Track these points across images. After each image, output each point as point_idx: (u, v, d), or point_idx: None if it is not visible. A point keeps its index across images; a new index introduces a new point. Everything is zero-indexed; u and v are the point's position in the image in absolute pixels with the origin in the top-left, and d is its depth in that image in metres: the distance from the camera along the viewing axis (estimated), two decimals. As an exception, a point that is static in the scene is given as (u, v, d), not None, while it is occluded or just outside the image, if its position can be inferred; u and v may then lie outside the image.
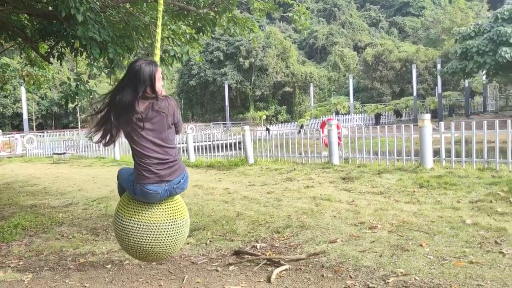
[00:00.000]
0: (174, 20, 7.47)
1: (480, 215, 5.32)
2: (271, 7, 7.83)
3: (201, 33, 7.85)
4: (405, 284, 3.52)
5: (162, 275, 4.21)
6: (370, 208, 6.12)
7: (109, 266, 4.55)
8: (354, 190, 7.58)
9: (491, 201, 5.93)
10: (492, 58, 27.83)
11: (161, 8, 3.81)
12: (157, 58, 3.53)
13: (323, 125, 15.44)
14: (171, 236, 3.26)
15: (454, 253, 4.09)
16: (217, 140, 15.85)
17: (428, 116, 9.21)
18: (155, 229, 3.23)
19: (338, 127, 11.52)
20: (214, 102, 56.90)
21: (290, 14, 7.91)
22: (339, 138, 11.30)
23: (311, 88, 50.58)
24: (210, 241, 5.20)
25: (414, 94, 38.29)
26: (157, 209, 3.27)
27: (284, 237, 5.08)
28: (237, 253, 4.68)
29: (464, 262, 3.86)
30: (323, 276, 3.86)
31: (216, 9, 7.38)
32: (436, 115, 34.06)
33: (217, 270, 4.23)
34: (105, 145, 3.31)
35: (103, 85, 58.81)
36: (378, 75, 48.39)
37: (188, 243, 5.13)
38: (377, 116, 39.37)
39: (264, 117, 50.72)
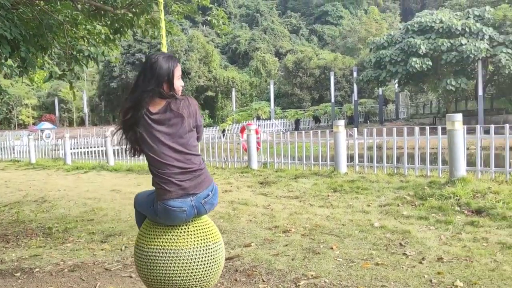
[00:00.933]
0: (90, 20, 7.25)
1: (388, 218, 5.57)
2: (189, 10, 7.79)
3: (118, 34, 7.67)
4: (315, 286, 3.62)
5: (74, 282, 4.06)
6: (285, 212, 6.24)
7: (18, 274, 4.33)
8: (271, 194, 7.69)
9: (398, 205, 6.23)
10: (403, 68, 29.21)
11: (161, 6, 3.54)
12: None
13: (242, 130, 15.56)
14: (204, 264, 2.71)
15: (362, 255, 4.26)
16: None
17: (342, 122, 9.52)
18: (184, 256, 2.68)
19: (257, 132, 11.66)
20: (135, 104, 55.72)
21: (209, 18, 7.90)
22: (258, 143, 11.43)
23: (233, 93, 50.89)
24: (125, 247, 5.08)
25: (332, 100, 39.53)
26: (185, 232, 2.75)
27: (200, 242, 5.06)
28: (152, 259, 4.60)
29: (371, 264, 4.02)
30: (236, 280, 3.89)
31: (134, 10, 7.24)
32: (353, 122, 35.40)
33: (131, 277, 4.15)
34: (132, 155, 2.94)
35: (19, 85, 56.01)
36: (298, 81, 49.44)
37: (102, 249, 4.99)
38: (297, 122, 40.27)
39: (186, 120, 50.28)
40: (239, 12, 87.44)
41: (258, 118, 41.58)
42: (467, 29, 27.68)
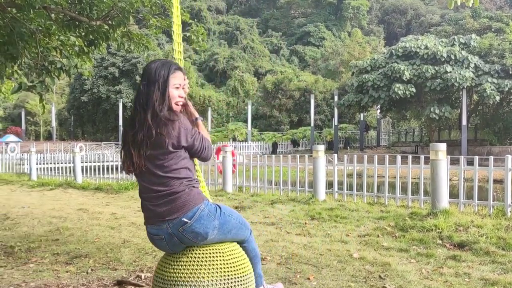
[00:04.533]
0: (64, 30, 7.23)
1: (367, 249, 5.60)
2: (168, 25, 7.82)
3: (93, 47, 7.65)
4: (291, 318, 3.61)
5: (32, 310, 3.97)
6: (261, 239, 6.22)
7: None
8: (246, 219, 7.65)
9: (378, 236, 6.28)
10: (386, 94, 29.57)
11: (176, 11, 3.31)
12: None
13: (218, 151, 15.54)
14: None
15: (340, 287, 4.27)
16: (108, 161, 15.40)
17: (322, 147, 9.61)
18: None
19: (233, 154, 11.68)
20: (107, 120, 55.38)
21: (188, 34, 7.94)
22: (234, 165, 11.44)
23: (209, 112, 50.91)
24: (91, 269, 4.99)
25: (312, 124, 39.81)
26: (181, 260, 2.64)
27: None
28: (120, 283, 4.53)
29: (349, 296, 4.03)
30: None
31: (110, 22, 7.25)
32: (332, 147, 35.69)
33: (94, 304, 4.08)
34: (127, 172, 2.76)
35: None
36: (277, 103, 49.77)
37: (67, 271, 4.90)
38: (274, 145, 40.41)
39: (159, 139, 50.03)
40: (218, 29, 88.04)
41: (234, 140, 41.63)
42: (453, 57, 28.31)
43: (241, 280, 2.62)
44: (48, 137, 60.19)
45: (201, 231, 2.59)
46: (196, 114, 2.86)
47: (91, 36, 7.48)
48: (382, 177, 9.35)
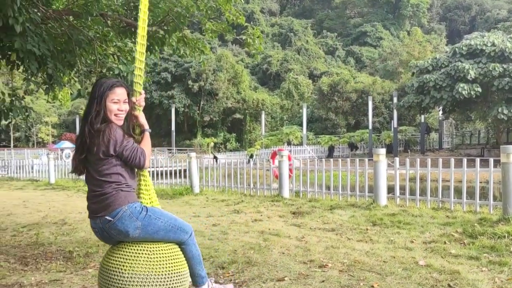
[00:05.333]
0: (120, 36, 7.43)
1: (434, 257, 5.46)
2: (224, 29, 7.90)
3: (148, 52, 7.83)
4: (355, 327, 3.56)
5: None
6: (320, 245, 6.18)
7: (33, 302, 4.38)
8: (304, 225, 7.64)
9: (444, 242, 6.11)
10: (449, 94, 28.83)
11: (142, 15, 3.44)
12: (138, 88, 3.37)
13: (274, 155, 15.59)
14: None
15: (406, 296, 4.18)
16: (161, 167, 15.72)
17: (383, 151, 9.46)
18: (103, 275, 3.10)
19: (289, 159, 11.66)
20: (160, 126, 56.51)
21: (244, 37, 7.99)
22: (290, 170, 11.42)
23: (263, 116, 51.08)
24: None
25: (370, 127, 39.27)
26: (120, 252, 3.09)
27: (229, 273, 5.04)
28: None
29: (416, 305, 3.94)
30: (269, 317, 3.85)
31: (165, 28, 7.40)
32: (391, 150, 35.06)
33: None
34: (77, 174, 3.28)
35: (40, 102, 57.53)
36: (333, 106, 49.43)
37: None
38: (331, 148, 40.08)
39: (212, 144, 50.70)
40: (271, 31, 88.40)
41: (289, 144, 41.59)
42: (523, 54, 27.25)
43: (174, 277, 3.05)
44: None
45: (122, 229, 3.01)
46: (146, 127, 3.31)
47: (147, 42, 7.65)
48: (446, 181, 9.10)
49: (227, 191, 12.41)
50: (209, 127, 56.57)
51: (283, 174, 10.98)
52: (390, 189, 9.74)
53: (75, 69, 7.37)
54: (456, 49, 30.35)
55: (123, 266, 2.99)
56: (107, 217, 3.02)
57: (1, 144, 52.13)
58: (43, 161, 21.66)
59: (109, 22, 7.29)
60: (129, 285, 2.95)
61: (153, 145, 48.42)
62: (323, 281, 4.66)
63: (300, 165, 11.85)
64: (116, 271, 3.00)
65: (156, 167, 15.60)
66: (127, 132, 3.17)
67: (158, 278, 3.00)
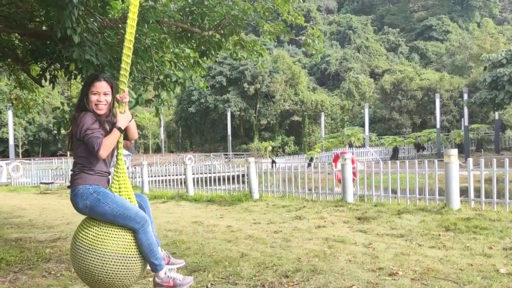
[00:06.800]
0: (177, 42, 7.57)
1: (515, 264, 5.26)
2: (282, 30, 7.91)
3: (205, 57, 7.93)
4: None
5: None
6: (389, 252, 6.07)
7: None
8: (371, 231, 7.52)
9: (527, 248, 5.88)
10: (526, 88, 27.89)
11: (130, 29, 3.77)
12: (122, 86, 3.76)
13: (336, 158, 15.46)
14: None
15: (486, 306, 4.03)
16: (218, 173, 15.87)
17: (455, 151, 9.21)
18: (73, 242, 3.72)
19: (353, 162, 11.52)
20: (215, 130, 57.20)
21: (303, 38, 7.98)
22: (354, 173, 11.27)
23: (322, 118, 50.76)
24: (211, 284, 5.14)
25: (438, 126, 38.33)
26: (87, 226, 3.69)
27: (293, 282, 5.02)
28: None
29: (499, 316, 3.79)
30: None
31: (222, 32, 7.48)
32: (462, 150, 34.07)
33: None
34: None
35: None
36: (397, 105, 48.63)
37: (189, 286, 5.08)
38: (395, 150, 39.37)
39: (270, 148, 50.83)
40: (329, 29, 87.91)
41: (351, 146, 41.11)
42: None
43: (125, 258, 3.61)
44: (157, 150, 63.30)
45: (74, 204, 3.66)
46: (118, 124, 3.70)
47: (203, 47, 7.76)
48: (526, 182, 8.76)
49: (288, 196, 12.38)
50: (266, 130, 56.75)
51: (347, 177, 10.86)
52: (463, 192, 9.45)
53: (131, 77, 7.55)
54: (532, 39, 29.30)
55: (84, 238, 3.61)
56: (70, 191, 3.67)
57: (58, 153, 54.06)
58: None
59: (165, 28, 7.44)
60: (85, 255, 3.56)
61: (209, 150, 48.87)
62: (394, 290, 4.57)
63: (364, 168, 11.67)
64: (78, 241, 3.64)
65: (213, 173, 15.75)
66: (105, 120, 3.73)
67: (112, 255, 3.57)
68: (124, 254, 3.60)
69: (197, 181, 15.61)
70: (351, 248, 6.42)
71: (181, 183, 16.05)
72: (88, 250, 3.55)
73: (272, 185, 13.17)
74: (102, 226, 3.62)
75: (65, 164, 30.48)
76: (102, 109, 3.71)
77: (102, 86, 3.71)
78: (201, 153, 45.40)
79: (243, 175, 14.31)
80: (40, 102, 13.28)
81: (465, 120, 35.85)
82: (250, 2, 7.23)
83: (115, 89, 3.78)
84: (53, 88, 8.31)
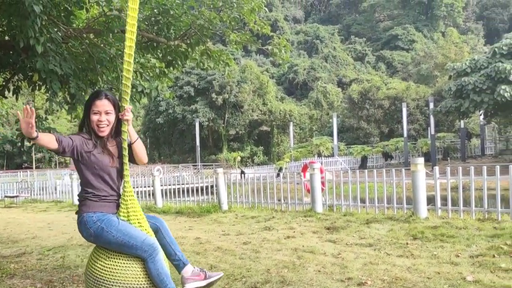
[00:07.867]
0: (142, 52, 7.52)
1: (482, 272, 5.35)
2: (248, 40, 7.93)
3: (171, 67, 7.90)
4: None
5: None
6: (358, 262, 6.11)
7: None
8: (340, 241, 7.57)
9: (493, 256, 5.98)
10: (490, 97, 28.39)
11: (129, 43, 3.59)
12: (124, 103, 3.53)
13: (305, 168, 15.52)
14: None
15: (454, 314, 4.09)
16: (187, 184, 15.79)
17: (421, 160, 9.35)
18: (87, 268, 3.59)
19: (321, 171, 11.59)
20: (184, 141, 56.87)
21: (269, 47, 8.01)
22: (322, 183, 11.34)
23: (291, 128, 50.95)
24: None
25: (405, 135, 38.90)
26: (98, 255, 3.55)
27: (262, 295, 5.02)
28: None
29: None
30: None
31: (188, 41, 7.46)
32: (428, 158, 34.57)
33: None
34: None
35: (61, 121, 58.48)
36: (365, 114, 49.15)
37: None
38: (364, 159, 39.78)
39: (239, 158, 50.72)
40: (297, 39, 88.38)
41: (319, 155, 41.34)
42: None
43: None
44: (125, 161, 62.41)
45: (80, 232, 3.51)
46: (132, 138, 3.60)
47: (169, 57, 7.74)
48: (492, 190, 8.93)
49: (257, 207, 12.38)
50: (235, 140, 56.67)
51: (316, 187, 10.92)
52: (430, 200, 9.59)
53: (97, 87, 7.47)
54: (496, 49, 29.96)
55: (94, 268, 3.48)
56: (77, 218, 3.51)
57: (23, 166, 53.09)
58: (66, 181, 21.97)
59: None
60: (95, 286, 3.44)
61: (177, 162, 48.40)
62: (363, 300, 4.60)
63: (333, 178, 11.75)
64: (88, 271, 3.51)
65: (182, 184, 15.66)
66: (100, 144, 3.50)
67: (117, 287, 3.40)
68: (133, 285, 3.45)
69: (166, 193, 15.49)
70: (320, 258, 6.45)
71: (149, 195, 15.92)
72: (98, 281, 3.41)
73: (241, 196, 13.15)
74: (111, 255, 3.47)
75: (31, 177, 29.93)
76: (104, 131, 3.50)
77: (103, 104, 3.47)
78: (170, 164, 45.06)
79: (212, 186, 14.25)
80: (4, 114, 13.06)
81: (432, 129, 36.43)
82: (216, 11, 7.23)
83: (118, 108, 3.56)
84: (16, 99, 8.16)
